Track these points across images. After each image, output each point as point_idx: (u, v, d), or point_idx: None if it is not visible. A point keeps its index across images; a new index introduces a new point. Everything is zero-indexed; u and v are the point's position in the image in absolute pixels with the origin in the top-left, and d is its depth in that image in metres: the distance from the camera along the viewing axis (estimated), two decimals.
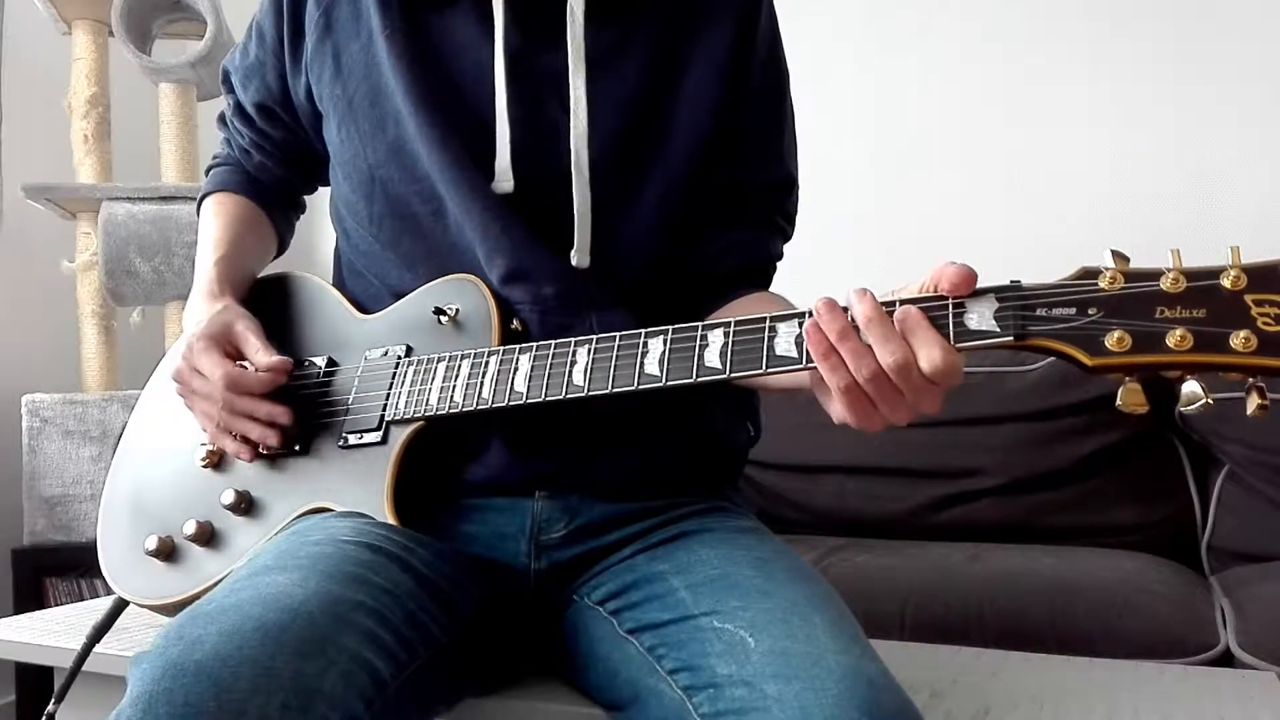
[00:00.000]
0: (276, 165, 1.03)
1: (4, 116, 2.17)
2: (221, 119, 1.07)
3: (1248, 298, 0.56)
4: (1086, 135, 2.17)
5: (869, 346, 0.63)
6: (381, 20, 0.86)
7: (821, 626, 0.66)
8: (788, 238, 0.97)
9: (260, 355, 0.85)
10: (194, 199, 1.07)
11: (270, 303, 0.97)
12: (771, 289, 0.96)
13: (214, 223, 1.00)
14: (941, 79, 2.30)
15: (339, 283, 0.97)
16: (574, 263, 0.83)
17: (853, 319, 0.64)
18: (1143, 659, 1.21)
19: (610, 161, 0.84)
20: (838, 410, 0.66)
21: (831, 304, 0.65)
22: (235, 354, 0.86)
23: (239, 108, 1.02)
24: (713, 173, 0.88)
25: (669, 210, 0.86)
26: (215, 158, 1.08)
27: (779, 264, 0.98)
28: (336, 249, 0.99)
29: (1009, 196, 2.22)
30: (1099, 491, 1.79)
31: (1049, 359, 1.83)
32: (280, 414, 0.84)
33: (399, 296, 0.89)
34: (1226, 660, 1.31)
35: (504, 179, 0.83)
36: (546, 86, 0.85)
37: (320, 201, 1.10)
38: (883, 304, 0.64)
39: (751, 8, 0.91)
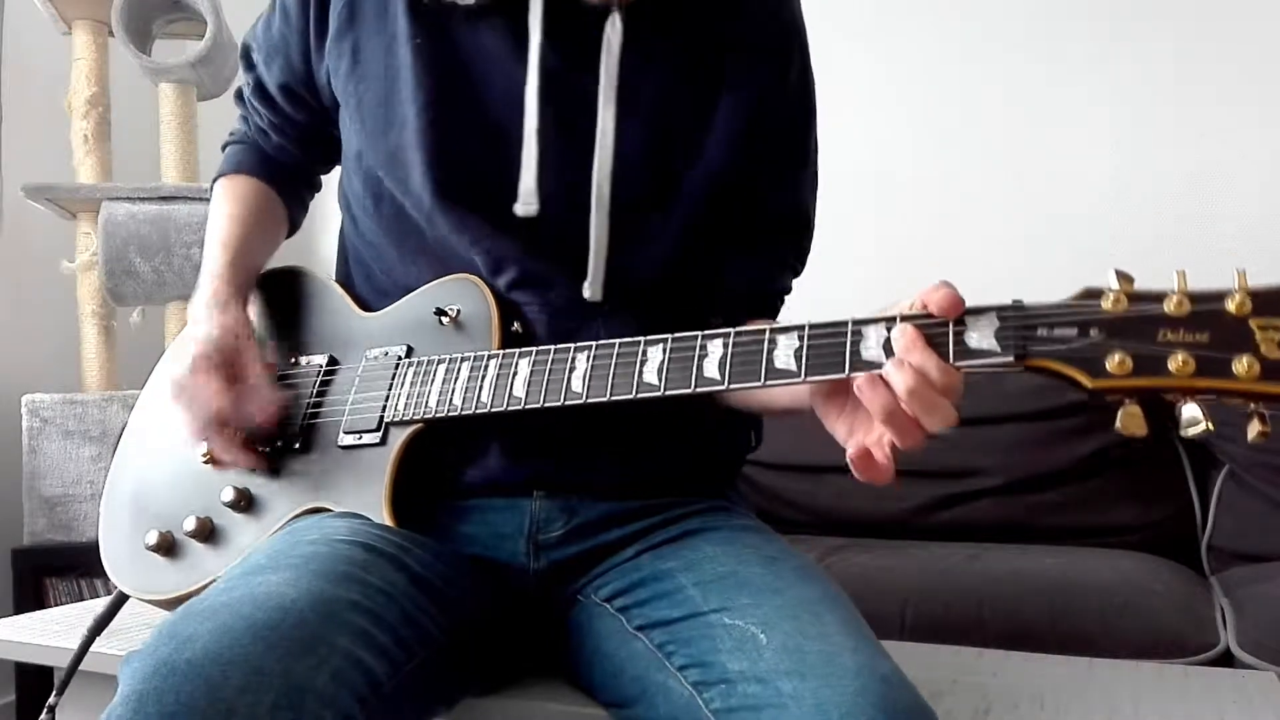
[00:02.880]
0: (295, 146, 1.01)
1: (4, 116, 2.17)
2: (239, 95, 1.03)
3: (1252, 322, 0.55)
4: (1086, 136, 2.17)
5: (916, 422, 0.61)
6: (410, 27, 0.84)
7: (833, 624, 0.66)
8: (797, 274, 0.96)
9: (257, 393, 0.84)
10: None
11: (274, 298, 0.97)
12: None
13: (225, 211, 0.96)
14: (941, 80, 2.30)
15: (343, 271, 0.97)
16: (586, 296, 0.82)
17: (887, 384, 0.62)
18: (1143, 659, 1.21)
19: (631, 196, 0.83)
20: (856, 441, 0.65)
21: (873, 380, 0.62)
22: (237, 374, 0.85)
23: (259, 86, 0.99)
24: (731, 205, 0.87)
25: (686, 245, 0.85)
26: (231, 135, 1.04)
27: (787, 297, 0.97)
28: (341, 235, 0.97)
29: (1009, 197, 2.22)
30: (1099, 491, 1.80)
31: None
32: (244, 459, 0.84)
33: (403, 289, 0.88)
34: (1226, 660, 1.31)
35: (528, 201, 0.81)
36: (577, 112, 0.82)
37: (324, 189, 1.09)
38: (883, 319, 0.64)
39: (787, 45, 0.89)
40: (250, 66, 1.00)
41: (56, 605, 1.44)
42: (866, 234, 2.32)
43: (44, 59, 2.20)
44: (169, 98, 2.12)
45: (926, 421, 0.61)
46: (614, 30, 0.82)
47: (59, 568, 1.89)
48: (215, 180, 1.02)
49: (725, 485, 0.93)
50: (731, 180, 0.86)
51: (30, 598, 1.85)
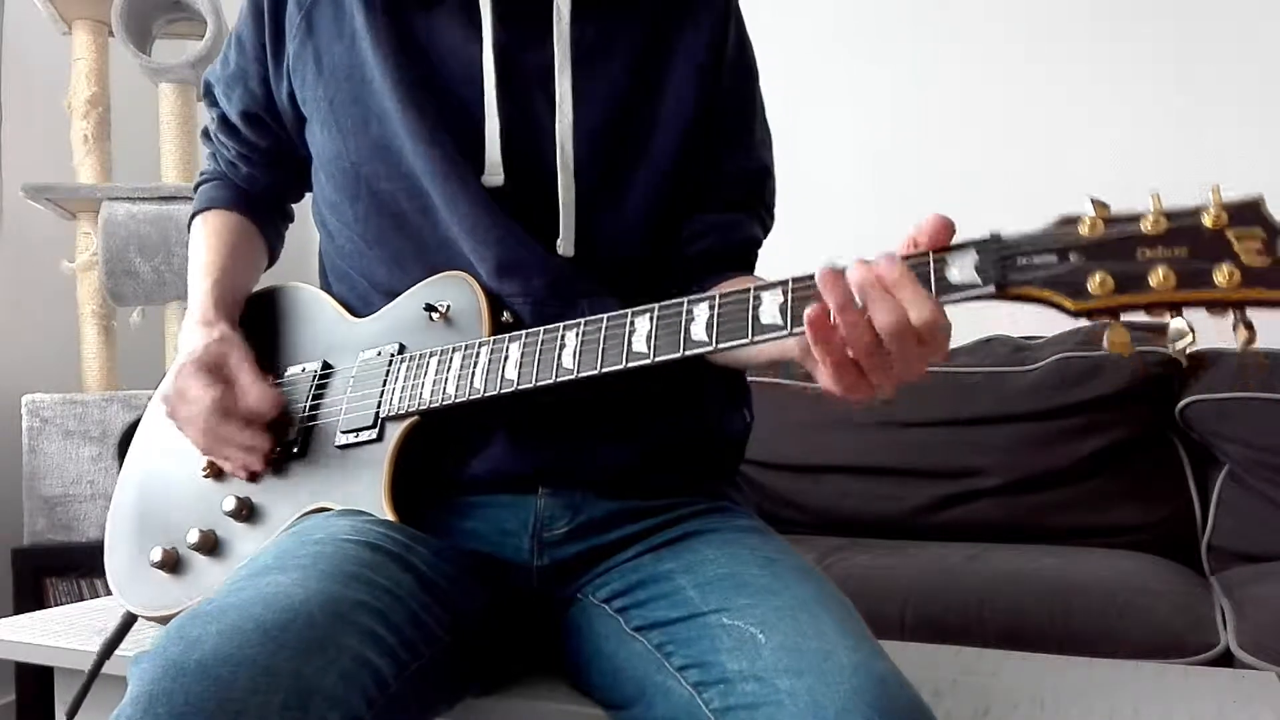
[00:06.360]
0: (264, 174, 1.03)
1: (4, 116, 2.17)
2: (206, 134, 1.07)
3: (1229, 233, 0.55)
4: (1087, 135, 2.17)
5: (867, 318, 0.62)
6: (366, 20, 0.88)
7: (830, 624, 0.66)
8: (767, 227, 0.99)
9: (253, 388, 0.85)
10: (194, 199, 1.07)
11: (263, 315, 0.98)
12: (758, 273, 0.96)
13: (205, 243, 0.99)
14: (942, 80, 2.30)
15: (324, 285, 0.98)
16: (559, 251, 0.84)
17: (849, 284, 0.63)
18: (1143, 659, 1.21)
19: (596, 156, 0.86)
20: (825, 380, 0.65)
21: (831, 273, 0.63)
22: (227, 382, 0.86)
23: (223, 120, 1.02)
24: (692, 167, 0.90)
25: (654, 205, 0.88)
26: (202, 174, 1.07)
27: (763, 250, 0.99)
28: (320, 251, 0.99)
29: (1009, 196, 2.22)
30: (1099, 491, 1.79)
31: (1049, 359, 1.84)
32: (261, 441, 0.84)
33: (387, 295, 0.89)
34: (1226, 660, 1.31)
35: (494, 173, 0.85)
36: (533, 83, 0.86)
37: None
38: (865, 261, 0.64)
39: (725, 8, 0.94)
40: (213, 103, 1.04)
41: (56, 605, 1.44)
42: (866, 233, 2.32)
43: (44, 59, 2.20)
44: (169, 98, 2.12)
45: (901, 367, 0.62)
46: (563, 2, 0.86)
47: (59, 568, 1.89)
48: (191, 218, 1.04)
49: (726, 483, 0.94)
50: (693, 140, 0.89)
51: (30, 598, 1.85)
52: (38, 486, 1.87)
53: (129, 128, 2.15)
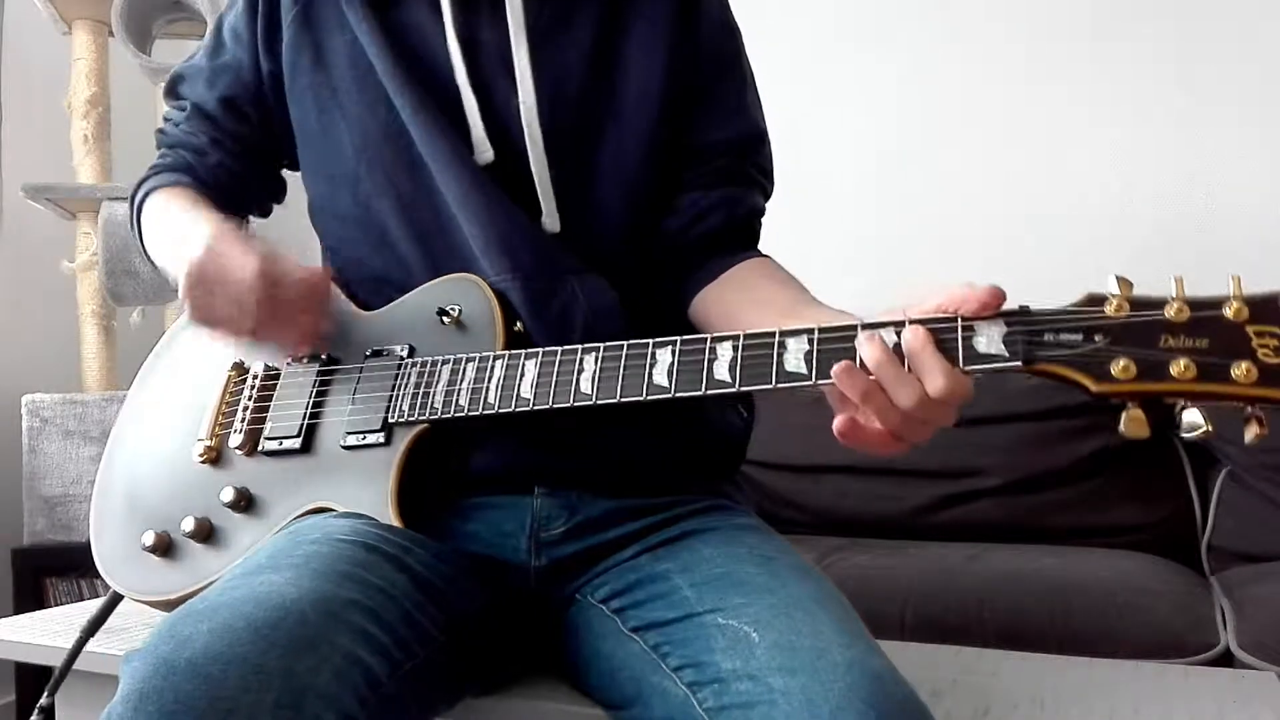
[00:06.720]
0: (235, 163, 0.99)
1: (4, 116, 2.17)
2: (163, 132, 1.02)
3: (1249, 329, 0.57)
4: (1087, 135, 2.17)
5: (890, 399, 0.63)
6: (350, 10, 0.90)
7: (826, 622, 0.66)
8: (767, 193, 0.98)
9: (296, 266, 0.80)
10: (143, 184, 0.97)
11: None
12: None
13: (176, 206, 0.92)
14: (942, 80, 2.30)
15: None
16: (545, 227, 0.86)
17: (861, 362, 0.64)
18: (1143, 659, 1.21)
19: (564, 131, 0.87)
20: (871, 450, 0.67)
21: (849, 368, 0.64)
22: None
23: (196, 109, 0.99)
24: (677, 136, 0.91)
25: (630, 173, 0.89)
26: (152, 167, 0.99)
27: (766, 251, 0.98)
28: (322, 249, 0.98)
29: (1010, 197, 2.22)
30: (1099, 491, 1.80)
31: None
32: (312, 327, 0.82)
33: (388, 284, 0.89)
34: (1226, 660, 1.31)
35: (483, 149, 0.87)
36: (495, 63, 0.88)
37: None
38: (891, 322, 0.65)
39: None
40: (181, 97, 1.01)
41: (56, 605, 1.44)
42: (867, 234, 2.33)
43: (44, 59, 2.20)
44: None
45: (925, 427, 0.63)
46: None
47: (59, 568, 1.89)
48: (145, 197, 0.96)
49: (725, 478, 0.94)
50: (665, 108, 0.90)
51: (30, 598, 1.86)
52: (38, 486, 1.87)
53: (129, 128, 2.15)
